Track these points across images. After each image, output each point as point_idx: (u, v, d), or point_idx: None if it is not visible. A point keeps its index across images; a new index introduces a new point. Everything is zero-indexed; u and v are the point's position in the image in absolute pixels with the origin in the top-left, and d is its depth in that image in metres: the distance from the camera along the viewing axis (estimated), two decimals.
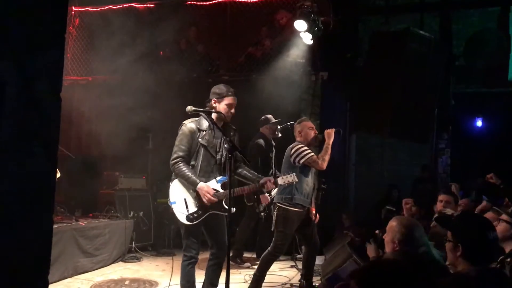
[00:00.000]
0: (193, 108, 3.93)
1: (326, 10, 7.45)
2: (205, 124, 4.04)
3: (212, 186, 3.97)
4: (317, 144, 5.01)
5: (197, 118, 4.08)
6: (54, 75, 1.77)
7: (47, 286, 1.78)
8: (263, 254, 4.90)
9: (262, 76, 7.49)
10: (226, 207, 3.87)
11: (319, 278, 5.55)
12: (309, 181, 4.87)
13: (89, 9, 8.73)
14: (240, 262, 6.52)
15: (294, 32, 7.09)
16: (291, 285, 5.57)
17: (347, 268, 4.35)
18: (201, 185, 3.91)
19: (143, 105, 7.15)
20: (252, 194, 6.27)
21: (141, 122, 7.41)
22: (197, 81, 7.67)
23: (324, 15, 7.21)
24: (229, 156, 3.58)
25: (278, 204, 4.84)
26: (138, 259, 6.66)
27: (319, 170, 4.90)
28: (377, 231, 3.53)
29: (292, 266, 6.47)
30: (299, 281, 5.27)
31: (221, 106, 4.03)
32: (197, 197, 3.96)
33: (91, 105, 8.07)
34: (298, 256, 6.58)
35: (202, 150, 4.00)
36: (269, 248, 4.86)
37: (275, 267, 6.32)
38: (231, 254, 5.18)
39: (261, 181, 4.03)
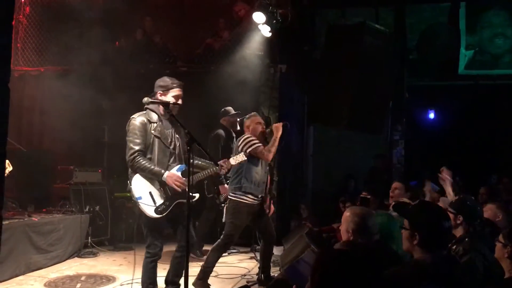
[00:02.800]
0: (150, 100, 3.88)
1: (284, 3, 7.48)
2: (154, 116, 3.98)
3: None
4: (264, 138, 5.08)
5: (144, 112, 3.99)
6: (1, 63, 1.70)
7: None
8: (213, 245, 4.94)
9: (221, 68, 7.45)
10: (191, 194, 3.84)
11: (278, 268, 5.61)
12: (259, 170, 4.95)
13: None
14: (200, 255, 6.48)
15: (252, 24, 7.08)
16: (251, 276, 5.60)
17: (305, 258, 4.40)
18: (168, 173, 3.88)
19: (98, 96, 6.97)
20: (212, 186, 6.27)
21: (96, 114, 7.22)
22: (154, 72, 7.51)
23: (282, 8, 7.24)
24: (188, 148, 3.54)
25: (229, 196, 4.95)
26: (94, 254, 6.52)
27: (266, 161, 4.98)
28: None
29: (251, 258, 6.50)
30: (256, 274, 5.32)
31: (168, 99, 3.96)
32: (162, 188, 3.93)
33: (44, 96, 7.79)
34: (258, 247, 6.61)
35: (156, 141, 3.95)
36: (219, 239, 4.91)
37: (235, 258, 6.35)
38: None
39: (218, 164, 4.10)
